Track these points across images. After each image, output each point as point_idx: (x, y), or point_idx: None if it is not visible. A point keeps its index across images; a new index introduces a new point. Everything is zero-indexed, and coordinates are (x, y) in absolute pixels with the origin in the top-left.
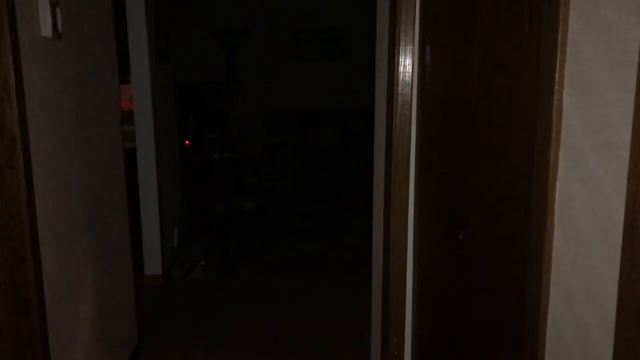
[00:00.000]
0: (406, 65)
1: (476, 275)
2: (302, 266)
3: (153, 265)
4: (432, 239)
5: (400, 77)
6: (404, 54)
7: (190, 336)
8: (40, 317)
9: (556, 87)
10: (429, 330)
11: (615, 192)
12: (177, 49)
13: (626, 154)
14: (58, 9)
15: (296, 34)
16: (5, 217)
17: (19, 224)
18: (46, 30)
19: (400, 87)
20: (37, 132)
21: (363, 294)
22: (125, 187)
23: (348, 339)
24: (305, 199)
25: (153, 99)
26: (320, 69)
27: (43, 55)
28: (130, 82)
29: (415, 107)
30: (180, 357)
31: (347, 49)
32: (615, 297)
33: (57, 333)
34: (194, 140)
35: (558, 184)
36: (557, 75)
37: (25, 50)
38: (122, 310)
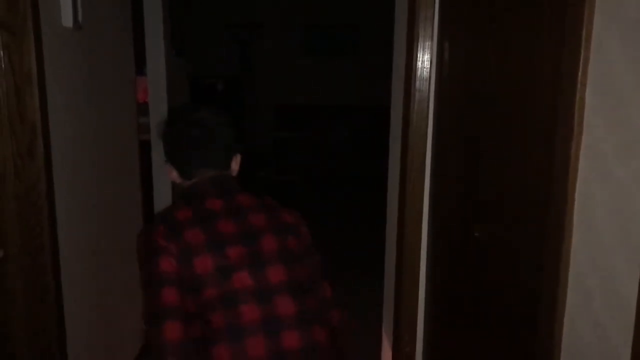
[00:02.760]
0: (424, 61)
1: (491, 274)
2: None
3: None
4: (447, 236)
5: (418, 73)
6: (422, 50)
7: None
8: (57, 304)
9: (579, 86)
10: (441, 327)
11: (637, 192)
12: (192, 42)
13: None
14: (79, 0)
15: (309, 29)
16: (24, 204)
17: (38, 212)
18: (67, 20)
19: (417, 84)
20: (56, 121)
21: (374, 290)
22: (140, 179)
23: (359, 333)
24: (316, 194)
25: (168, 91)
26: (333, 65)
27: (64, 45)
28: (145, 74)
29: (432, 104)
30: None
31: (360, 45)
32: (635, 297)
33: (72, 321)
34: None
35: (578, 183)
36: (580, 73)
37: (47, 40)
38: (135, 300)
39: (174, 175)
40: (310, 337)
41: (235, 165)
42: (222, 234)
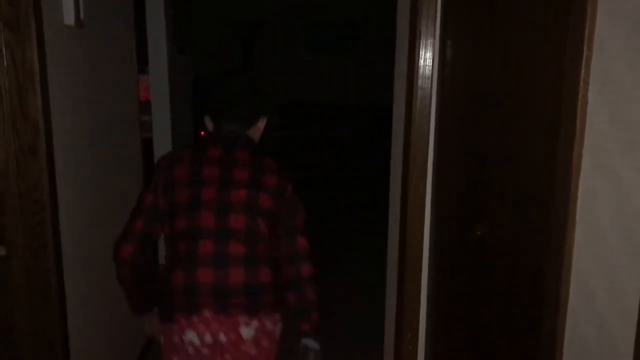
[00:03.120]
0: (426, 59)
1: (494, 272)
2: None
3: None
4: (449, 234)
5: (420, 71)
6: (425, 47)
7: None
8: (59, 301)
9: (581, 84)
10: (444, 325)
11: None
12: (195, 41)
13: None
14: None
15: (311, 27)
16: (27, 203)
17: (41, 210)
18: (69, 18)
19: (420, 81)
20: (59, 119)
21: (377, 287)
22: (142, 177)
23: (361, 331)
24: (319, 192)
25: (170, 89)
26: (335, 63)
27: (65, 44)
28: (147, 73)
29: (434, 102)
30: None
31: (362, 43)
32: (638, 296)
33: (76, 319)
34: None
35: (581, 181)
36: (582, 71)
37: (49, 38)
38: None
39: (210, 126)
40: (254, 276)
41: (261, 125)
42: (204, 177)
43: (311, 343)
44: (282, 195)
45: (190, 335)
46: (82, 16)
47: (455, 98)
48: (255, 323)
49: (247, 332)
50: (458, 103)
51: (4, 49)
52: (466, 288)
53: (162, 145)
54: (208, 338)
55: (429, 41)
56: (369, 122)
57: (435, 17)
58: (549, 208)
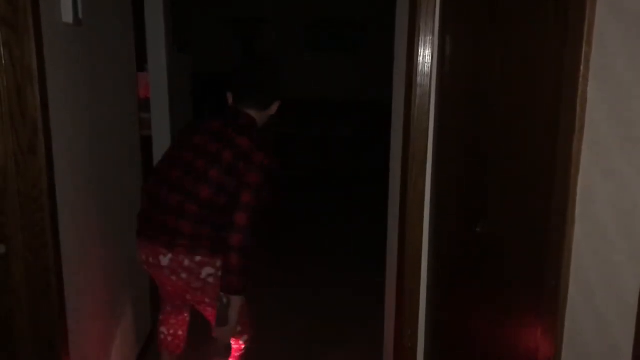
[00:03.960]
0: (425, 55)
1: (493, 269)
2: (314, 257)
3: None
4: (449, 231)
5: (419, 67)
6: (424, 44)
7: (203, 321)
8: (59, 301)
9: (581, 80)
10: (443, 322)
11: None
12: (195, 39)
13: None
14: None
15: (311, 25)
16: (26, 202)
17: (40, 209)
18: (67, 16)
19: (419, 78)
20: (58, 118)
21: (376, 284)
22: (142, 175)
23: (361, 329)
24: (319, 189)
25: (169, 87)
26: (335, 61)
27: (64, 41)
28: (147, 70)
29: (433, 98)
30: (192, 342)
31: (363, 41)
32: (637, 292)
33: (75, 317)
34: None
35: (580, 177)
36: (582, 67)
37: (47, 36)
38: (137, 297)
39: (231, 101)
40: (179, 224)
41: (274, 107)
42: (193, 142)
43: (226, 297)
44: (233, 173)
45: (138, 252)
46: (80, 14)
47: (454, 95)
48: (170, 256)
49: (164, 260)
50: (457, 100)
51: (1, 48)
52: (466, 284)
53: (162, 143)
54: (143, 257)
55: (428, 38)
56: (369, 121)
57: (435, 13)
58: (549, 204)
